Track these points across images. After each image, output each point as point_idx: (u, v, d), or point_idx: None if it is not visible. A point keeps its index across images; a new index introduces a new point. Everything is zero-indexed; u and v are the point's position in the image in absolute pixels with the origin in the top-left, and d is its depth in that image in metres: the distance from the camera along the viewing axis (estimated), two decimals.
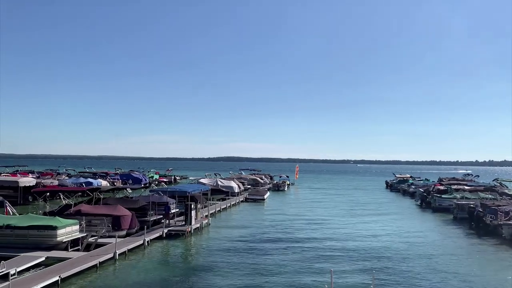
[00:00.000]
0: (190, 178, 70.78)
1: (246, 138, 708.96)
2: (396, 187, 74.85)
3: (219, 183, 50.10)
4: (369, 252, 22.40)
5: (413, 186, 65.24)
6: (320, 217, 36.46)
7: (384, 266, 19.35)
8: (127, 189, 42.22)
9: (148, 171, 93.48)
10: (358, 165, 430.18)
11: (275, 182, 74.32)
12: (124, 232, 23.53)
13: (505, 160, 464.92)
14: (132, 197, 33.03)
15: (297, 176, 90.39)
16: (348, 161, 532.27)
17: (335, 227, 31.35)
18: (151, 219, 27.07)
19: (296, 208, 44.03)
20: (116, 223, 23.57)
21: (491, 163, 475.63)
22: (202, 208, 31.57)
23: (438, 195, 44.70)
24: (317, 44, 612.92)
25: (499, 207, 30.01)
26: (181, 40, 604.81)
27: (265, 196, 51.35)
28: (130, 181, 63.86)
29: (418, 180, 77.24)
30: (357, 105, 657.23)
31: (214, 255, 21.08)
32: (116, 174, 74.26)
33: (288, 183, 77.01)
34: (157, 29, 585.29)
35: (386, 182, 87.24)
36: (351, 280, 17.01)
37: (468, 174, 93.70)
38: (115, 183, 57.35)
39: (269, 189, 64.09)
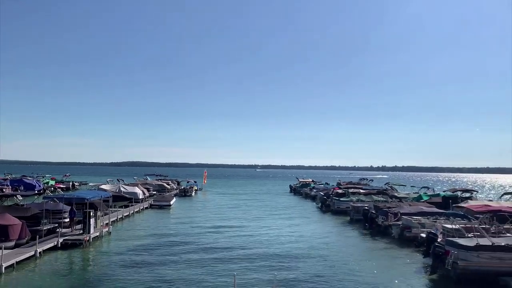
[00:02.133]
0: (90, 184, 66.90)
1: (153, 143, 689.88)
2: (299, 190, 78.13)
3: (122, 189, 48.01)
4: (272, 255, 22.94)
5: (314, 190, 68.53)
6: (226, 222, 36.63)
7: (286, 268, 19.96)
8: (18, 196, 38.61)
9: (43, 177, 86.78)
10: (257, 170, 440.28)
11: (182, 187, 73.25)
12: (12, 243, 21.47)
13: (395, 166, 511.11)
14: (23, 205, 30.32)
15: (205, 181, 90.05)
16: (255, 166, 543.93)
17: (240, 231, 31.68)
18: (45, 228, 25.05)
19: (203, 213, 43.77)
20: (2, 233, 21.42)
21: (383, 168, 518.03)
22: (102, 215, 29.99)
23: (337, 198, 47.43)
24: (233, 48, 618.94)
25: (390, 209, 32.64)
26: (86, 34, 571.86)
27: (171, 202, 50.32)
28: (22, 187, 58.68)
29: (319, 184, 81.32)
30: (264, 112, 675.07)
31: (114, 265, 20.07)
32: (5, 179, 67.80)
33: (196, 188, 76.41)
34: (50, 20, 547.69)
35: (290, 186, 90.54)
36: (254, 283, 17.25)
37: (364, 178, 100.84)
38: (4, 190, 52.21)
39: (175, 195, 62.98)
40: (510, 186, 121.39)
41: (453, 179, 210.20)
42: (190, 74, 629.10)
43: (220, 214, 43.40)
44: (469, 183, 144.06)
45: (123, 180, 68.24)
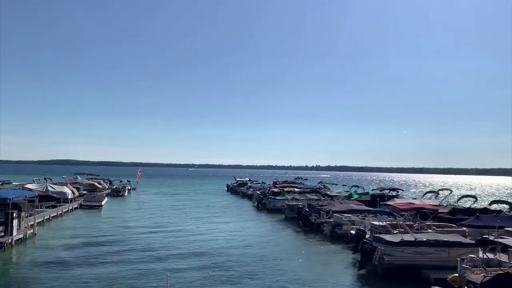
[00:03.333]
0: (14, 183, 62.66)
1: (84, 140, 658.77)
2: (236, 190, 78.52)
3: (49, 188, 45.37)
4: (207, 255, 22.85)
5: (251, 189, 69.15)
6: (161, 223, 35.91)
7: (221, 267, 19.95)
8: None
9: None
10: (190, 169, 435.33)
11: (114, 187, 70.81)
12: None
13: (328, 166, 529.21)
14: None
15: (139, 181, 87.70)
16: (193, 165, 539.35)
17: (175, 231, 31.21)
18: None
19: (136, 214, 42.58)
20: None
21: (317, 168, 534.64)
22: (27, 216, 28.22)
23: (273, 197, 48.21)
24: (170, 44, 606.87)
25: (322, 207, 33.71)
26: (18, 29, 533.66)
27: (103, 202, 48.51)
28: None
29: (256, 183, 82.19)
30: (201, 111, 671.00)
31: (38, 269, 18.93)
32: None
33: (129, 188, 74.24)
34: None
35: (227, 186, 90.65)
36: (188, 283, 17.05)
37: (299, 177, 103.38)
38: None
39: (107, 195, 60.75)
40: (433, 185, 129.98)
41: (388, 179, 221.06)
42: (124, 70, 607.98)
43: (155, 214, 42.47)
44: (401, 182, 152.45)
45: (51, 179, 64.52)
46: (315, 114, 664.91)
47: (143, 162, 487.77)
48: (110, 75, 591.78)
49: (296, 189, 52.78)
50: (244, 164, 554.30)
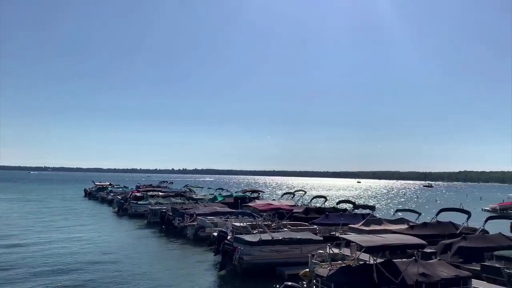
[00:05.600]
0: None
1: None
2: (95, 195, 73.81)
3: None
4: (60, 267, 20.77)
5: (111, 194, 65.59)
6: (4, 234, 31.69)
7: (76, 279, 18.38)
8: None
9: None
10: (31, 172, 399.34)
11: None
12: None
13: (195, 169, 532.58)
14: None
15: None
16: (46, 168, 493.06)
17: (23, 244, 27.73)
18: None
19: None
20: None
21: (184, 171, 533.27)
22: None
23: (135, 202, 46.41)
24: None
25: (186, 210, 33.53)
26: None
27: None
28: None
29: (117, 188, 78.35)
30: (54, 108, 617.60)
31: None
32: None
33: None
34: None
35: (85, 190, 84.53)
36: None
37: (164, 181, 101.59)
38: None
39: None
40: (291, 187, 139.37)
41: (252, 181, 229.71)
42: None
43: None
44: (263, 185, 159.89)
45: None
46: (180, 117, 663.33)
47: None
48: None
49: (160, 193, 51.61)
50: (105, 167, 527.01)
